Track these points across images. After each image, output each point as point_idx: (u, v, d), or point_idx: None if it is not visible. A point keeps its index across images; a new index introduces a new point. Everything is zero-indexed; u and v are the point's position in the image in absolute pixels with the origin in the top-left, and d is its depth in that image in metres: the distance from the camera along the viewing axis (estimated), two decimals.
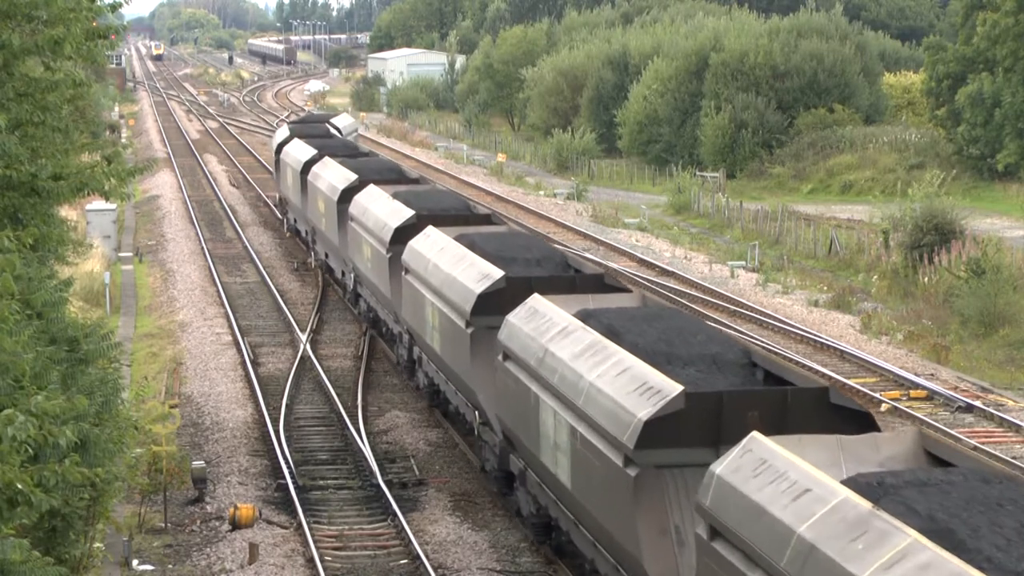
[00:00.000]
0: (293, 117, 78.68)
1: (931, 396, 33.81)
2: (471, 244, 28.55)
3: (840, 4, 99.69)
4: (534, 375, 21.62)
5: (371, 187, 38.89)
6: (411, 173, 45.49)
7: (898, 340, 40.28)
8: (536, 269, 27.50)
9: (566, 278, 26.53)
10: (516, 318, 23.25)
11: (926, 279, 46.33)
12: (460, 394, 27.79)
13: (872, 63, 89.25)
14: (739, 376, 19.23)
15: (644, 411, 17.51)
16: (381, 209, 35.89)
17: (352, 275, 40.96)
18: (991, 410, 32.59)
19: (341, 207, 40.92)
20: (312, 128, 62.75)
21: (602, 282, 25.91)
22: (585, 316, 21.77)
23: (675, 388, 17.54)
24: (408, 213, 33.77)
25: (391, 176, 43.78)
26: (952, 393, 33.77)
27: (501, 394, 23.93)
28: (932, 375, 36.04)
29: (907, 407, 32.52)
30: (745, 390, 18.26)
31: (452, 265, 27.88)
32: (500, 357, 23.59)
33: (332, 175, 43.84)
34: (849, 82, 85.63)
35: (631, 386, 18.32)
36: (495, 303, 25.19)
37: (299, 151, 51.86)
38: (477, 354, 25.72)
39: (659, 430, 17.25)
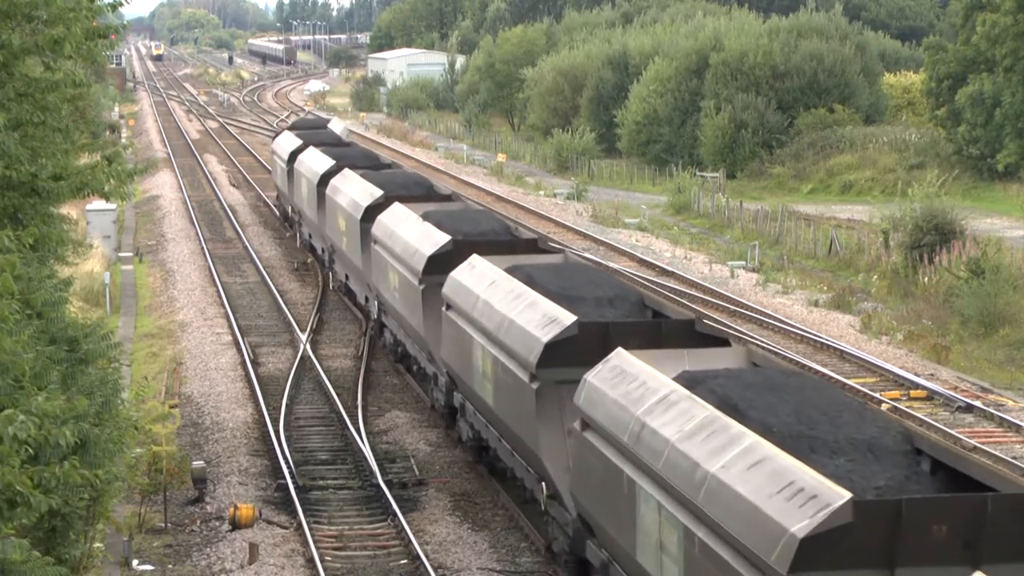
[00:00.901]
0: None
1: (931, 396, 33.81)
2: (528, 279, 24.79)
3: (840, 4, 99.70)
4: (626, 454, 18.02)
5: (397, 206, 35.45)
6: (442, 189, 41.32)
7: (898, 340, 40.28)
8: (610, 311, 23.67)
9: (651, 324, 22.64)
10: (598, 379, 19.59)
11: (926, 279, 46.33)
12: (518, 456, 24.05)
13: (872, 63, 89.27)
14: (902, 468, 15.55)
15: (800, 524, 13.87)
16: (411, 232, 32.44)
17: (376, 303, 37.23)
18: (991, 410, 32.59)
19: (364, 227, 37.32)
20: (324, 135, 59.49)
21: (694, 330, 21.92)
22: (690, 382, 18.02)
23: (840, 495, 13.90)
24: (443, 238, 30.24)
25: (420, 192, 39.84)
26: (952, 393, 33.77)
27: (579, 469, 20.27)
28: (932, 375, 36.04)
29: (907, 407, 32.52)
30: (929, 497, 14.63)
31: (508, 304, 24.11)
32: (578, 425, 19.96)
33: (353, 190, 40.38)
34: (849, 82, 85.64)
35: (773, 485, 14.62)
36: (566, 354, 21.39)
37: (315, 161, 48.27)
38: (545, 415, 21.87)
39: (822, 547, 13.78)
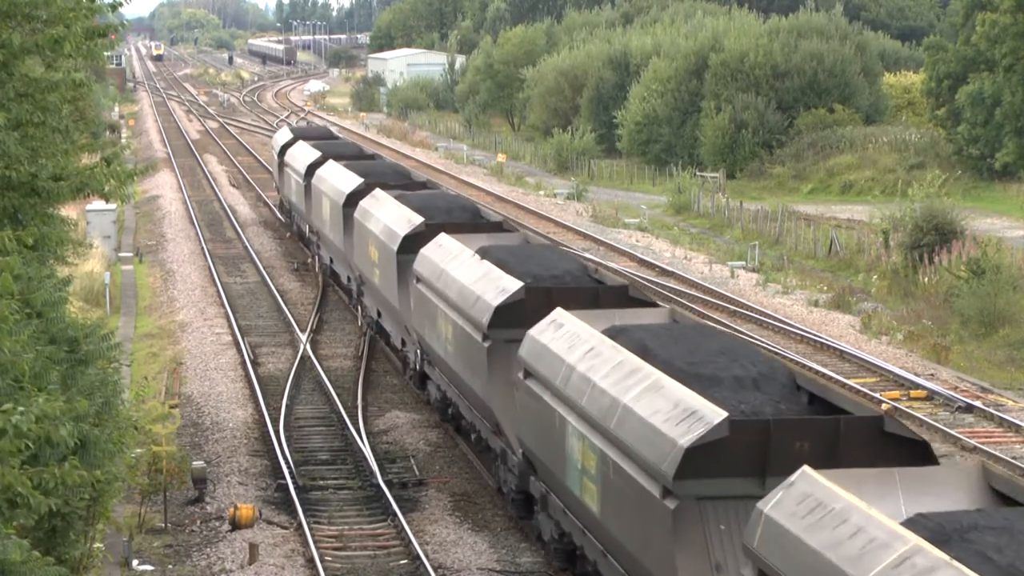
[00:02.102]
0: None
1: (931, 396, 33.81)
2: (643, 349, 19.80)
3: (840, 4, 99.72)
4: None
5: (444, 237, 30.29)
6: (491, 215, 36.00)
7: (898, 340, 40.28)
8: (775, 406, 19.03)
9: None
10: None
11: (926, 279, 46.34)
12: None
13: (872, 63, 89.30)
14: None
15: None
16: (467, 273, 27.23)
17: (417, 350, 32.03)
18: (991, 410, 32.59)
19: (403, 259, 32.35)
20: (343, 147, 55.09)
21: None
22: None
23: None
24: (513, 284, 25.02)
25: (465, 218, 34.63)
26: (952, 393, 33.77)
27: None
28: (932, 375, 36.04)
29: (907, 407, 32.52)
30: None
31: (621, 388, 18.83)
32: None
33: (387, 215, 35.15)
34: (849, 82, 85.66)
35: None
36: (711, 458, 16.74)
37: (338, 178, 43.23)
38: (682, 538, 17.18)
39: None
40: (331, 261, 45.36)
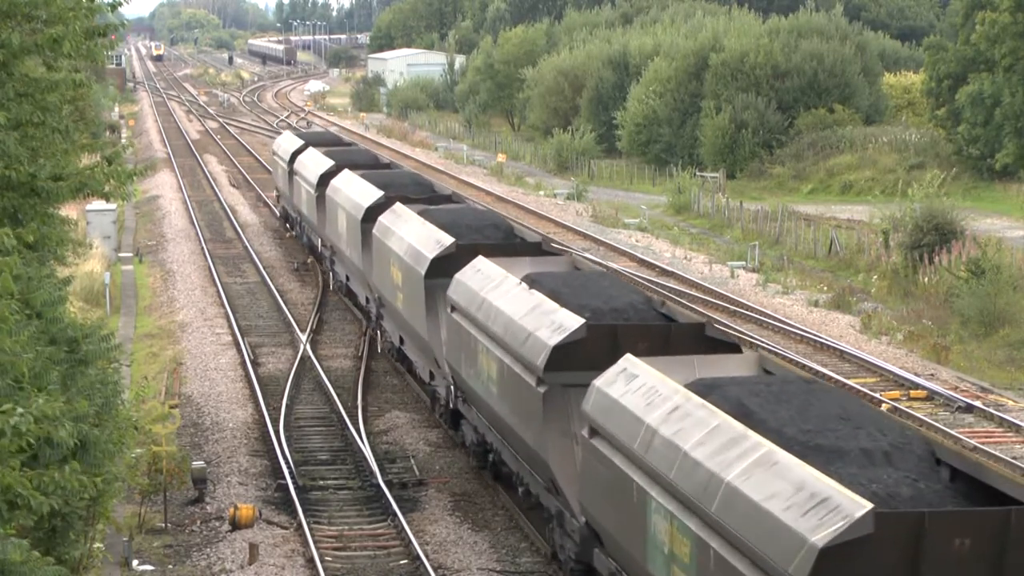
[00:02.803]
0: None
1: (931, 396, 33.81)
2: (743, 412, 16.79)
3: (840, 4, 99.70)
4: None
5: (481, 261, 26.92)
6: (528, 234, 32.36)
7: (898, 340, 40.28)
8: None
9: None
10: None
11: (926, 279, 46.33)
12: None
13: (872, 63, 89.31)
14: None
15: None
16: (513, 304, 23.78)
17: (450, 384, 28.29)
18: (991, 410, 32.58)
19: (431, 283, 29.01)
20: (356, 154, 51.63)
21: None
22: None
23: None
24: (573, 321, 21.62)
25: (498, 236, 31.05)
26: (952, 393, 33.76)
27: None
28: (932, 375, 36.03)
29: (907, 407, 32.51)
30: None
31: (719, 458, 16.02)
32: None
33: (413, 234, 31.66)
34: (849, 82, 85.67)
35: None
36: (851, 559, 13.86)
37: (354, 190, 39.93)
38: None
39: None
40: (347, 279, 42.17)
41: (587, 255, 50.24)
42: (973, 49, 73.96)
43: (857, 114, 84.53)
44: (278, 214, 62.03)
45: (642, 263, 52.63)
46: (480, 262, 26.81)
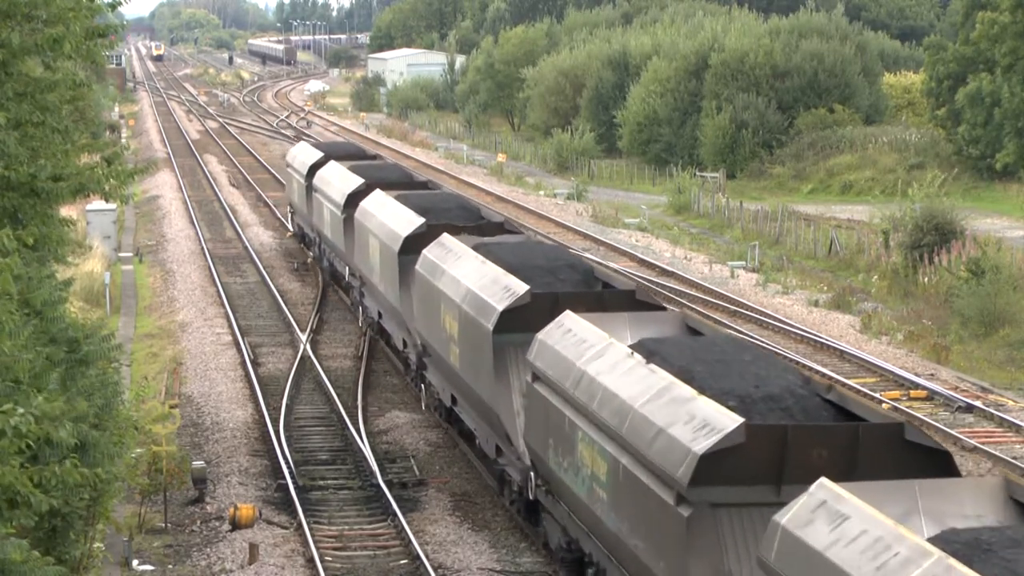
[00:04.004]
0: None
1: (931, 396, 33.81)
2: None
3: (840, 4, 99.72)
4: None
5: (569, 317, 22.08)
6: (614, 278, 26.60)
7: (898, 340, 40.28)
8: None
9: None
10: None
11: (926, 279, 46.33)
12: None
13: (872, 63, 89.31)
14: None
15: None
16: (629, 385, 18.91)
17: (529, 470, 23.09)
18: (991, 410, 32.59)
19: (501, 340, 24.11)
20: (388, 171, 45.45)
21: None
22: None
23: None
24: (725, 420, 16.54)
25: (576, 280, 25.87)
26: (952, 393, 33.77)
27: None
28: (932, 375, 36.03)
29: (907, 407, 32.52)
30: None
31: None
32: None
33: (471, 276, 26.48)
34: (849, 82, 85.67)
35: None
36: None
37: (389, 215, 35.04)
38: None
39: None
40: (379, 316, 36.74)
41: (588, 254, 50.17)
42: (973, 49, 73.96)
43: (857, 114, 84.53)
44: (291, 230, 56.97)
45: (642, 263, 52.64)
46: (569, 320, 21.88)
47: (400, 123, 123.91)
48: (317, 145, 55.66)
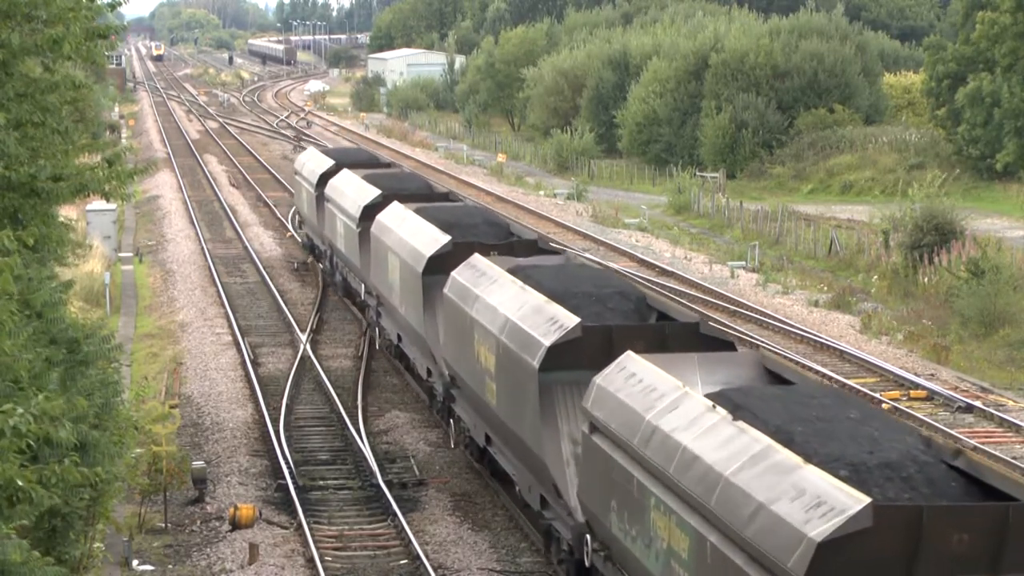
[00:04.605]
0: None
1: (931, 396, 33.81)
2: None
3: (840, 4, 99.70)
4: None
5: (632, 359, 19.09)
6: (661, 302, 23.65)
7: (898, 340, 40.29)
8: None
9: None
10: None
11: (926, 279, 46.33)
12: None
13: (872, 63, 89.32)
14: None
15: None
16: (724, 455, 15.77)
17: (584, 532, 20.03)
18: (991, 410, 32.59)
19: (548, 379, 21.18)
20: (406, 181, 42.62)
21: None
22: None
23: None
24: (848, 501, 13.78)
25: (628, 309, 22.94)
26: (952, 393, 33.77)
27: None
28: (932, 375, 36.04)
29: (907, 407, 32.52)
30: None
31: None
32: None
33: (511, 304, 23.70)
34: (849, 82, 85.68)
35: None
36: None
37: (410, 231, 32.32)
38: None
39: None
40: (399, 339, 34.27)
41: (588, 254, 50.15)
42: (973, 49, 73.97)
43: (857, 114, 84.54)
44: (300, 241, 54.15)
45: (642, 263, 52.65)
46: (631, 362, 18.87)
47: (400, 123, 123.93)
48: (328, 152, 52.49)
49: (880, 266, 50.21)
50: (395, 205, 35.31)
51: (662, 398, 17.50)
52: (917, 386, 34.49)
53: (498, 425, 24.18)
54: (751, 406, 16.36)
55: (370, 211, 37.27)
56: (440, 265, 28.88)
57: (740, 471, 15.08)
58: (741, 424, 15.86)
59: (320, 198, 45.28)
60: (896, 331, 41.11)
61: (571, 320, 21.27)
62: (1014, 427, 31.42)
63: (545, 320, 21.86)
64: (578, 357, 20.80)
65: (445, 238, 29.86)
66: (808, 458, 14.53)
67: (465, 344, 25.70)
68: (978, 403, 33.13)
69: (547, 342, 21.11)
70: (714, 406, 16.58)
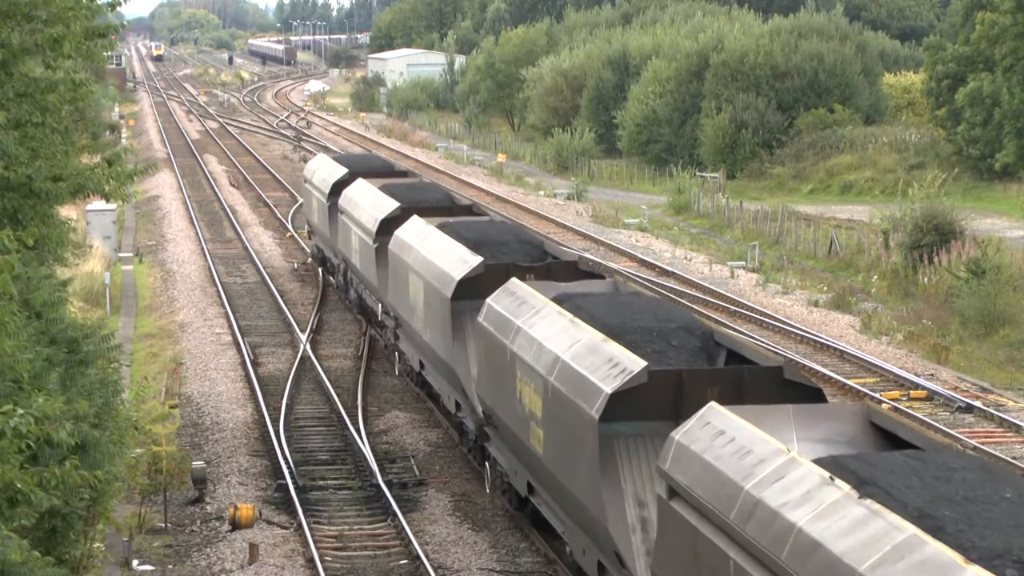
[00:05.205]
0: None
1: (931, 396, 33.81)
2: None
3: (840, 4, 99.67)
4: None
5: (717, 412, 16.19)
6: (722, 336, 20.92)
7: (898, 340, 40.28)
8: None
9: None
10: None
11: (926, 279, 46.32)
12: None
13: (872, 63, 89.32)
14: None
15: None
16: (796, 501, 13.85)
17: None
18: (991, 410, 32.59)
19: (608, 430, 18.53)
20: (426, 192, 39.83)
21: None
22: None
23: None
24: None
25: (693, 347, 20.33)
26: (952, 393, 33.77)
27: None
28: (932, 375, 36.04)
29: (907, 407, 32.52)
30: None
31: None
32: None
33: (561, 341, 20.95)
34: (849, 82, 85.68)
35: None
36: None
37: (435, 250, 29.71)
38: None
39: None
40: (422, 366, 31.64)
41: (588, 254, 50.12)
42: (973, 49, 73.96)
43: (857, 114, 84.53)
44: (310, 253, 51.40)
45: (642, 263, 52.65)
46: (717, 417, 15.93)
47: (400, 123, 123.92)
48: (340, 159, 49.20)
49: (880, 266, 50.21)
50: (415, 220, 32.79)
51: (762, 464, 14.53)
52: (917, 386, 34.49)
53: (545, 476, 21.44)
54: (879, 480, 13.36)
55: (387, 225, 34.76)
56: (471, 289, 26.52)
57: (879, 567, 12.01)
58: (870, 503, 12.84)
59: (333, 209, 42.73)
60: (896, 331, 41.11)
61: (635, 363, 18.60)
62: (1014, 427, 31.41)
63: (603, 362, 19.22)
64: (644, 406, 18.39)
65: (476, 259, 27.31)
66: (965, 553, 11.72)
67: (504, 381, 23.10)
68: (978, 403, 33.13)
69: (608, 389, 18.43)
70: (831, 477, 13.56)
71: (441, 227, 30.71)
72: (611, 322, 20.68)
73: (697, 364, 19.68)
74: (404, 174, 45.97)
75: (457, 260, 27.90)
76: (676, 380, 18.55)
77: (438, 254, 29.12)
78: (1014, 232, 58.87)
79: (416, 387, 33.49)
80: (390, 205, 36.01)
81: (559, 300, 22.49)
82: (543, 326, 21.75)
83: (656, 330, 20.45)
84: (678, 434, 16.17)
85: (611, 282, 25.52)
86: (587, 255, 49.97)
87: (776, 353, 34.29)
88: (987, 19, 72.08)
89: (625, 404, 18.29)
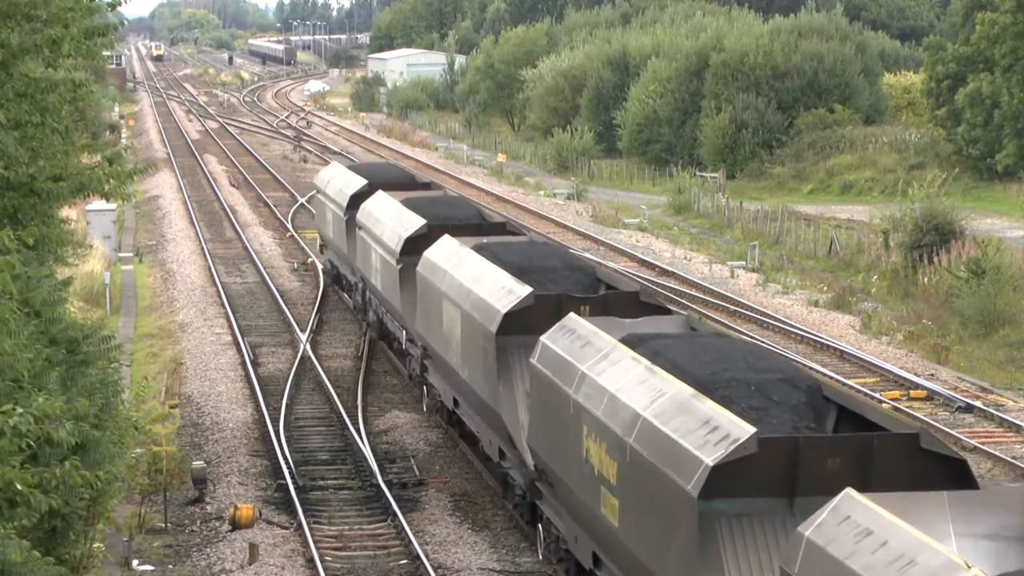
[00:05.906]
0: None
1: (931, 396, 33.82)
2: None
3: (840, 4, 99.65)
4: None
5: (853, 500, 13.37)
6: (830, 390, 18.13)
7: (898, 340, 40.28)
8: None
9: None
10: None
11: (926, 279, 46.32)
12: None
13: (872, 63, 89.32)
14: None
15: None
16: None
17: None
18: (991, 410, 32.59)
19: (709, 509, 15.72)
20: (454, 207, 36.39)
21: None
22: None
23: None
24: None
25: (797, 400, 17.36)
26: (952, 393, 33.77)
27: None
28: (932, 375, 36.04)
29: (907, 407, 32.53)
30: None
31: None
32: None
33: (629, 387, 18.55)
34: (849, 82, 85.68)
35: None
36: None
37: (470, 274, 27.01)
38: None
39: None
40: (455, 404, 28.64)
41: (588, 254, 50.07)
42: (973, 49, 73.96)
43: (857, 114, 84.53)
44: (321, 267, 48.28)
45: (642, 263, 52.66)
46: (859, 509, 13.05)
47: (400, 123, 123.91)
48: (357, 168, 45.73)
49: (880, 266, 50.20)
50: (447, 239, 29.75)
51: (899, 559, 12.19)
52: (917, 386, 34.49)
53: (620, 552, 18.31)
54: None
55: (413, 244, 31.91)
56: (518, 323, 23.62)
57: None
58: None
59: (350, 223, 39.75)
60: (896, 331, 41.11)
61: (741, 429, 15.81)
62: (1014, 427, 31.42)
63: (698, 424, 16.42)
64: (752, 481, 15.67)
65: (524, 289, 24.18)
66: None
67: (565, 435, 20.16)
68: (978, 403, 33.13)
69: (709, 460, 15.62)
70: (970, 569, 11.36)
71: (477, 249, 27.79)
72: (699, 372, 17.83)
73: (805, 424, 16.85)
74: (427, 186, 42.73)
75: (501, 289, 24.87)
76: (791, 450, 15.73)
77: (476, 280, 26.14)
78: (1014, 232, 58.86)
79: (446, 424, 30.52)
80: (416, 222, 33.13)
81: (630, 343, 19.50)
82: (614, 374, 18.84)
83: (754, 383, 17.53)
84: (807, 530, 13.22)
85: (684, 319, 22.55)
86: (588, 254, 49.93)
87: (870, 396, 31.31)
88: (987, 19, 72.08)
89: (729, 478, 15.55)
